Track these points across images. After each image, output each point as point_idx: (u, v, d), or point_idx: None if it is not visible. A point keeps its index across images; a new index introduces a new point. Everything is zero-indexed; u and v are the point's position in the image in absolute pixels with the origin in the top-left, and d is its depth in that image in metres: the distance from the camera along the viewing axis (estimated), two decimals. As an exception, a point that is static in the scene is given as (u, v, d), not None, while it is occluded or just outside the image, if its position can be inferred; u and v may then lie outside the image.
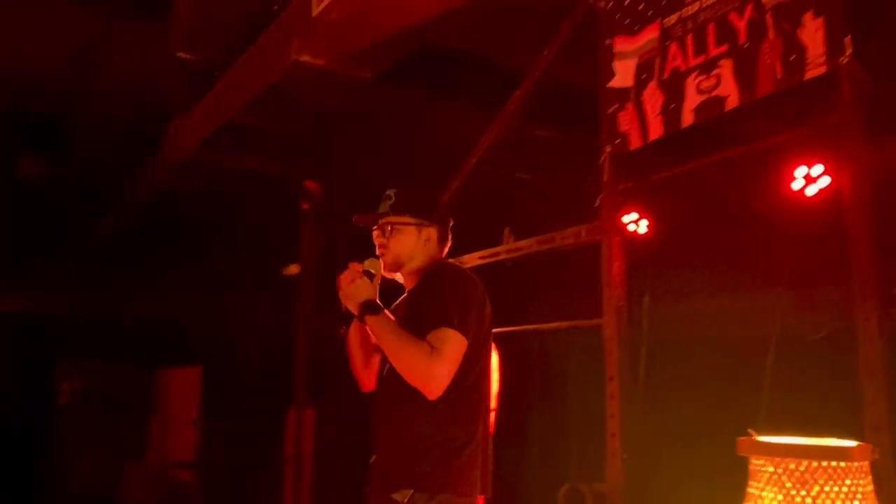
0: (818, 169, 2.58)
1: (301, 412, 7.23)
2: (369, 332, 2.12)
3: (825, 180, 2.58)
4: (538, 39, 3.96)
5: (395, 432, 2.05)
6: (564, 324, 3.55)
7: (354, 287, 2.16)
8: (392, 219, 2.26)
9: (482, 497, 2.07)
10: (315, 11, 4.50)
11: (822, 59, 2.56)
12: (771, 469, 0.87)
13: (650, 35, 3.29)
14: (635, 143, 3.30)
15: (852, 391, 2.30)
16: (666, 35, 3.22)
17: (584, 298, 3.52)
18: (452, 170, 4.51)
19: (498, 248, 4.04)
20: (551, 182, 4.32)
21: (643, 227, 3.24)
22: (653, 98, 3.24)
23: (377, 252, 2.30)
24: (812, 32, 2.61)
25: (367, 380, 2.32)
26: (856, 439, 1.51)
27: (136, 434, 7.96)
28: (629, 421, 3.13)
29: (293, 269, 8.10)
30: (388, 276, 2.30)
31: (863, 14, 2.49)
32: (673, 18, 3.19)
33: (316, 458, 6.41)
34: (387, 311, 2.12)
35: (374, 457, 2.14)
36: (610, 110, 3.42)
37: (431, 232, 2.28)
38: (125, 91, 6.07)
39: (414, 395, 1.98)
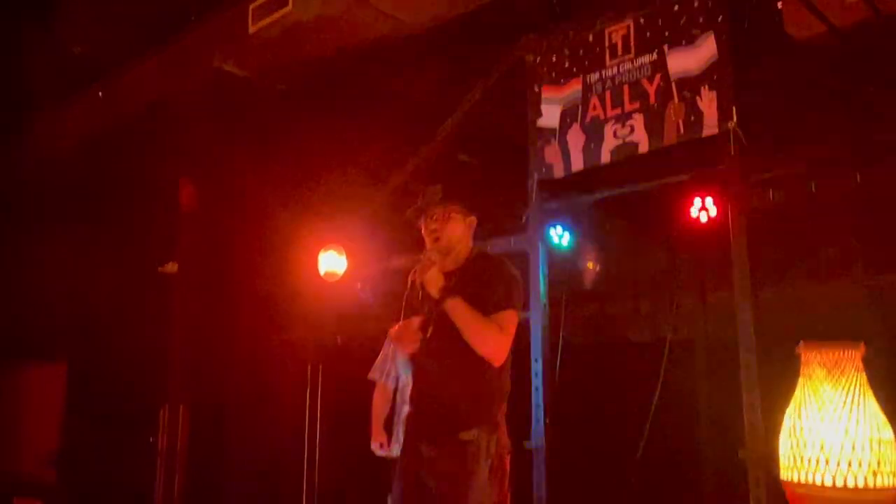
0: (709, 202, 3.53)
1: (175, 407, 7.38)
2: (447, 311, 2.49)
3: (714, 210, 3.54)
4: (462, 80, 4.68)
5: (454, 388, 2.54)
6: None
7: (431, 276, 2.54)
8: (447, 208, 2.66)
9: None
10: (252, 28, 4.90)
11: (715, 122, 3.52)
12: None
13: (574, 87, 4.13)
14: (559, 173, 4.12)
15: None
16: (588, 89, 4.07)
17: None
18: (375, 186, 5.10)
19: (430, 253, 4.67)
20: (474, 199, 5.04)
21: (566, 239, 4.05)
22: (575, 138, 4.07)
23: (432, 237, 2.67)
24: (707, 102, 3.56)
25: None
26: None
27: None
28: (550, 393, 3.92)
29: (170, 266, 8.21)
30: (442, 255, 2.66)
31: (745, 93, 3.46)
32: (594, 76, 4.05)
33: (189, 452, 6.54)
34: (460, 296, 2.50)
35: (419, 409, 2.65)
36: (538, 144, 4.22)
37: (473, 220, 2.73)
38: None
39: (473, 358, 2.49)
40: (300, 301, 5.52)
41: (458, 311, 2.47)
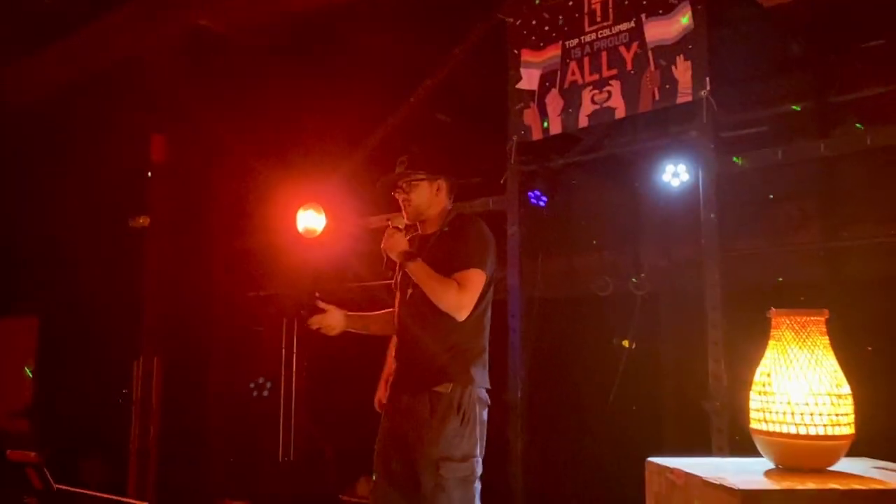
0: (682, 168, 3.70)
1: (148, 360, 7.44)
2: (409, 273, 2.62)
3: (686, 176, 3.70)
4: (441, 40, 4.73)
5: (429, 344, 2.66)
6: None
7: (392, 241, 2.64)
8: (409, 177, 2.74)
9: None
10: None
11: (689, 90, 3.67)
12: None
13: (553, 52, 4.23)
14: (537, 135, 4.24)
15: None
16: (567, 54, 4.17)
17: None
18: (354, 144, 5.16)
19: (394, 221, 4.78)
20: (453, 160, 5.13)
21: (543, 202, 4.20)
22: (554, 102, 4.19)
23: (401, 206, 2.79)
24: (682, 71, 3.70)
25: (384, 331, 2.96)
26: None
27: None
28: (525, 346, 4.11)
29: (142, 220, 8.20)
30: (412, 223, 2.81)
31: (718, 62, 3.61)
32: (573, 42, 4.14)
33: (165, 404, 6.63)
34: (419, 259, 2.64)
35: (401, 365, 2.77)
36: (517, 107, 4.32)
37: (441, 183, 2.78)
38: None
39: (445, 317, 2.62)
40: (279, 257, 5.60)
41: (417, 273, 2.60)
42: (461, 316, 2.61)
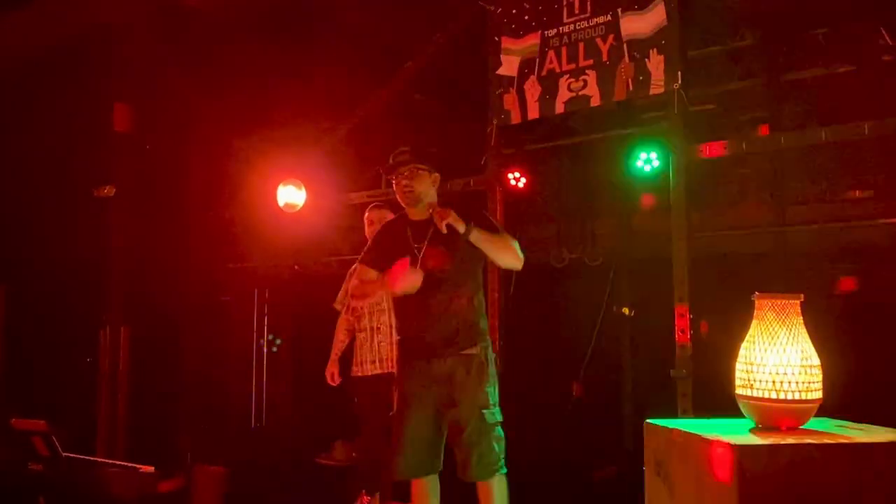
0: (654, 155, 4.01)
1: (115, 330, 7.49)
2: (473, 240, 2.85)
3: (657, 162, 4.02)
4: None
5: (453, 315, 2.95)
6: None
7: (443, 214, 2.84)
8: (411, 166, 3.00)
9: None
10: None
11: (661, 83, 3.96)
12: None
13: (532, 40, 4.46)
14: (516, 119, 4.48)
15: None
16: (545, 43, 4.41)
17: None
18: (336, 121, 5.31)
19: (387, 189, 4.98)
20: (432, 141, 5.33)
21: (521, 183, 4.46)
22: (532, 88, 4.43)
23: (405, 191, 3.01)
24: (655, 64, 3.99)
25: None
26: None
27: None
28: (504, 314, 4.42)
29: (107, 190, 8.19)
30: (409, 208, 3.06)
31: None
32: (552, 31, 4.38)
33: (132, 372, 6.71)
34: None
35: (420, 336, 2.98)
36: (497, 91, 4.55)
37: (437, 176, 3.08)
38: None
39: (466, 289, 2.97)
40: (258, 230, 5.73)
41: (484, 235, 2.87)
42: (521, 264, 2.97)
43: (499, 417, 2.96)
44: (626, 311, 4.37)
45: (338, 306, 4.26)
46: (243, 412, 6.91)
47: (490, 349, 3.03)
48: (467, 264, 2.99)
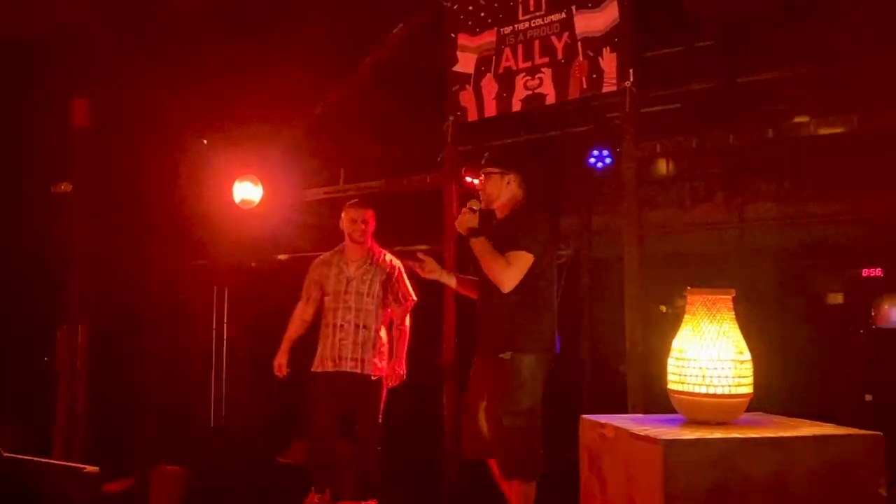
0: (605, 152, 4.03)
1: (73, 328, 7.38)
2: (472, 247, 3.14)
3: (608, 160, 4.04)
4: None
5: (495, 318, 3.12)
6: (408, 248, 4.68)
7: (463, 220, 3.17)
8: (486, 170, 3.29)
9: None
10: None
11: (614, 80, 3.97)
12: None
13: (489, 38, 4.45)
14: (472, 117, 4.48)
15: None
16: (501, 41, 4.41)
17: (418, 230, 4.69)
18: (293, 116, 5.26)
19: (345, 186, 4.96)
20: (389, 137, 5.31)
21: (478, 181, 4.45)
22: (489, 86, 4.43)
23: (479, 192, 3.29)
24: (609, 62, 4.00)
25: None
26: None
27: None
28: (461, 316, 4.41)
29: (64, 186, 8.07)
30: (486, 208, 3.27)
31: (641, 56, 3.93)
32: (508, 29, 4.38)
33: (90, 371, 6.61)
34: (483, 237, 3.12)
35: (478, 332, 3.22)
36: (454, 88, 4.54)
37: (511, 178, 3.27)
38: None
39: (497, 297, 3.08)
40: (215, 227, 5.66)
41: (477, 247, 3.14)
42: (504, 288, 3.07)
43: (529, 420, 3.05)
44: (663, 308, 4.51)
45: (302, 294, 4.18)
46: (203, 411, 6.83)
47: (528, 357, 3.10)
48: None
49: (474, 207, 3.21)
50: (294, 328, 4.14)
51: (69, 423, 6.46)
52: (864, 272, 6.07)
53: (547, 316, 3.16)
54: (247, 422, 6.53)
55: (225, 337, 6.84)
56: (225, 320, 6.82)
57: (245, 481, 5.48)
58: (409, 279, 4.04)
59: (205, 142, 5.46)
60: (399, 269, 4.04)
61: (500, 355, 3.06)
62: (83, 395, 6.60)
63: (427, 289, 3.87)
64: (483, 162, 3.32)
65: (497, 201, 3.28)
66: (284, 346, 4.11)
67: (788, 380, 4.89)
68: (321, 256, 4.17)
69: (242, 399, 6.62)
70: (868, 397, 5.18)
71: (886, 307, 5.60)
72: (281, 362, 4.08)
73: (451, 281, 3.44)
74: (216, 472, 5.57)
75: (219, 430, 6.75)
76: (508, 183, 3.27)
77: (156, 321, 6.66)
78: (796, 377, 5.04)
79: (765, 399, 2.28)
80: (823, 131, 3.77)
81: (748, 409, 2.15)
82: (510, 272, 3.03)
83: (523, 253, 3.04)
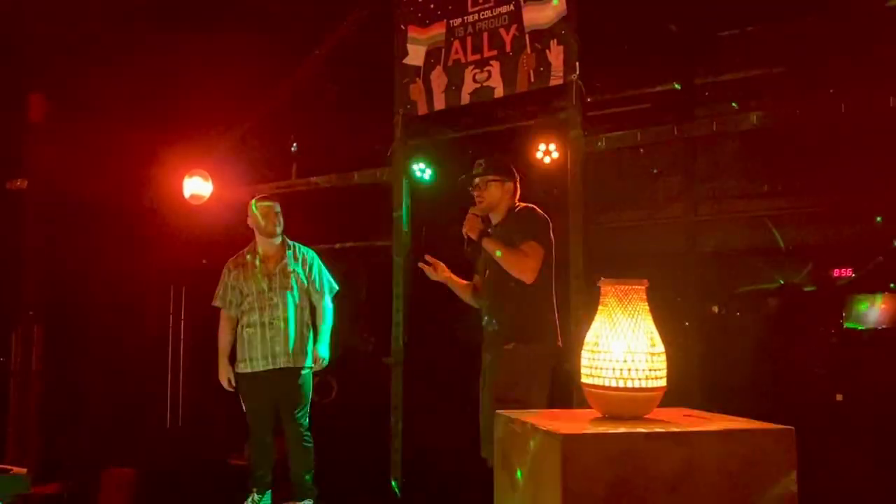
0: (552, 146, 3.96)
1: (28, 328, 7.23)
2: (485, 247, 3.23)
3: (556, 154, 3.97)
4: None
5: (501, 309, 3.24)
6: (361, 243, 4.60)
7: (471, 224, 3.28)
8: (484, 178, 3.35)
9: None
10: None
11: (561, 73, 3.91)
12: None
13: (438, 30, 4.38)
14: (423, 110, 4.40)
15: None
16: (451, 33, 4.34)
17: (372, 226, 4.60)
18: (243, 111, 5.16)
19: (296, 181, 4.87)
20: (342, 131, 5.22)
21: (427, 175, 4.38)
22: (439, 79, 4.35)
23: (476, 202, 3.35)
24: (556, 55, 3.94)
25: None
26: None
27: None
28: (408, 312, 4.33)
29: (19, 183, 7.92)
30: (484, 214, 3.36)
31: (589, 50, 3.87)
32: (457, 21, 4.31)
33: (44, 372, 6.47)
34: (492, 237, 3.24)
35: (487, 323, 3.32)
36: (403, 81, 4.46)
37: (509, 185, 3.37)
38: None
39: (510, 290, 3.18)
40: (165, 223, 5.55)
41: (492, 245, 3.22)
42: (529, 279, 3.15)
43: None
44: (714, 309, 4.67)
45: (218, 303, 4.14)
46: (159, 412, 6.70)
47: (535, 347, 3.23)
48: None
49: (477, 213, 3.32)
50: (226, 340, 4.09)
51: (22, 424, 6.33)
52: (836, 272, 6.06)
53: (552, 309, 3.27)
54: (202, 422, 6.42)
55: (182, 337, 6.73)
56: (182, 319, 6.70)
57: (197, 482, 5.38)
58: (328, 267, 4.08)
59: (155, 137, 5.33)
60: (316, 258, 4.04)
61: (505, 346, 3.18)
62: (36, 396, 6.46)
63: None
64: (481, 171, 3.37)
65: (496, 208, 3.38)
66: (223, 360, 4.08)
67: (759, 380, 4.86)
68: (232, 259, 4.12)
69: (198, 400, 6.50)
70: (839, 397, 5.17)
71: (857, 307, 5.59)
72: (227, 377, 4.05)
73: (458, 285, 3.52)
74: (167, 473, 5.48)
75: (174, 431, 6.64)
76: (507, 191, 3.37)
77: (111, 321, 6.53)
78: (766, 377, 5.01)
79: (736, 400, 2.23)
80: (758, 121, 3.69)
81: (674, 405, 2.10)
82: (531, 263, 3.12)
83: (533, 243, 3.14)
